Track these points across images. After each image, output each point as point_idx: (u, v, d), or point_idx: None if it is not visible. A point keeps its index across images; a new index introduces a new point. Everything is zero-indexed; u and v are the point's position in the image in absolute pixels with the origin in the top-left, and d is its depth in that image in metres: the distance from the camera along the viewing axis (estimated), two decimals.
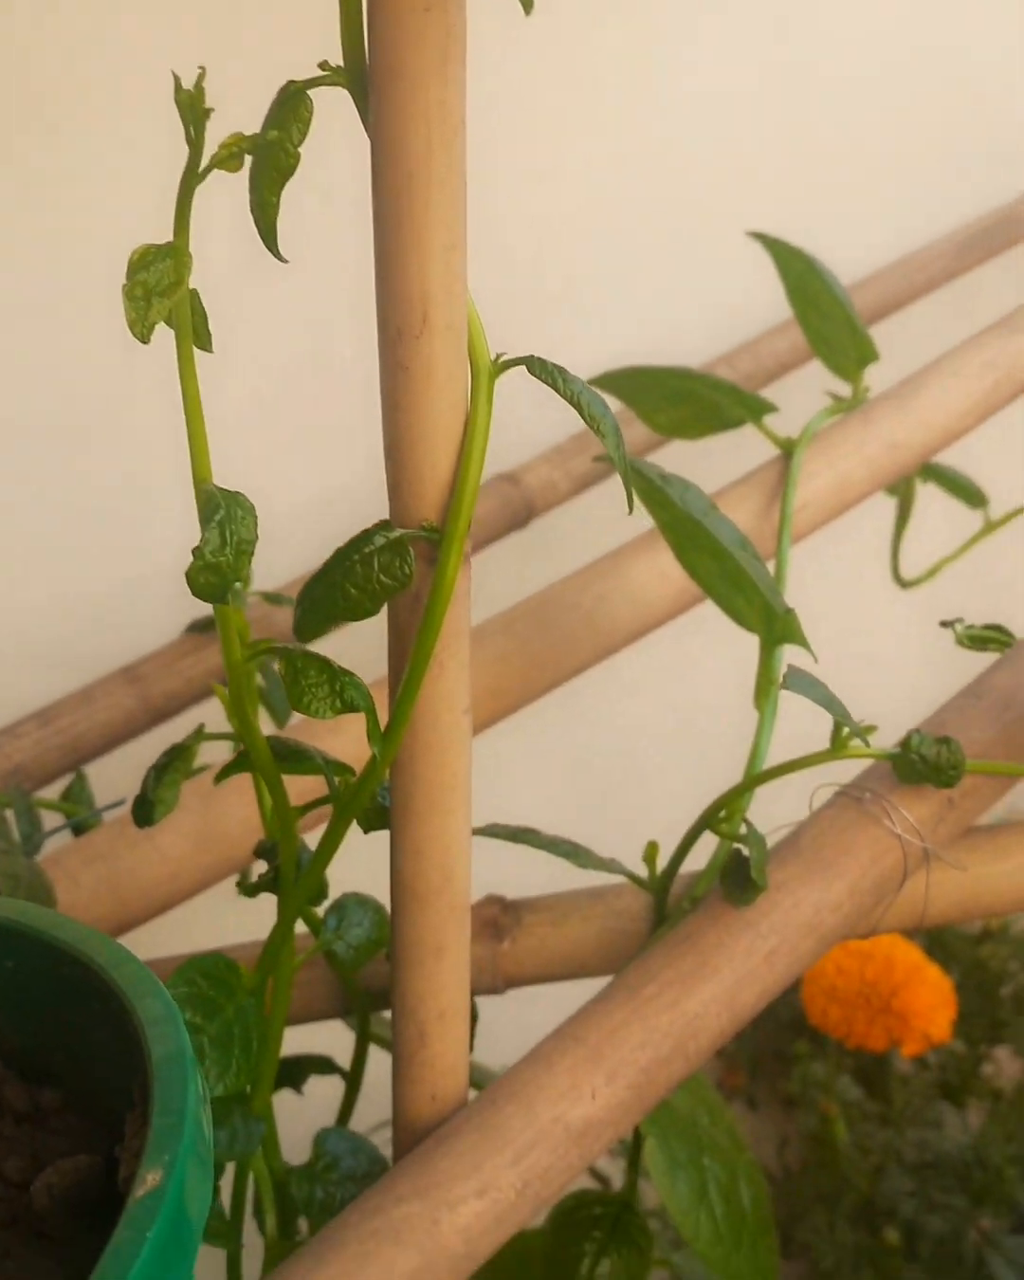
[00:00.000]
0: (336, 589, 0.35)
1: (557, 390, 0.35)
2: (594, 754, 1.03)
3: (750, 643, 0.56)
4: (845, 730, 0.46)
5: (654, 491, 0.54)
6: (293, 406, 0.77)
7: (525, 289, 0.85)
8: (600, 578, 0.64)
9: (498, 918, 0.52)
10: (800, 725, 0.56)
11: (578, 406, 0.35)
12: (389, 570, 0.35)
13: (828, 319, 0.72)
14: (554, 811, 0.69)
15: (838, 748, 0.47)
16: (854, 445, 0.68)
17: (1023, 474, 0.89)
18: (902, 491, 0.79)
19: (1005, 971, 1.12)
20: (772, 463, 0.68)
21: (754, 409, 0.68)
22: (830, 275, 0.71)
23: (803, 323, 0.73)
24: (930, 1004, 0.85)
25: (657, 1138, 0.47)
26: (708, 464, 0.74)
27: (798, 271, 0.71)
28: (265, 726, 0.43)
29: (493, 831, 0.50)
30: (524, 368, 0.35)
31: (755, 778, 0.49)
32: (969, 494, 0.80)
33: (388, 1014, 0.47)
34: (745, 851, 0.47)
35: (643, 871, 0.51)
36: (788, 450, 0.67)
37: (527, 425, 0.78)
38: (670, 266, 0.91)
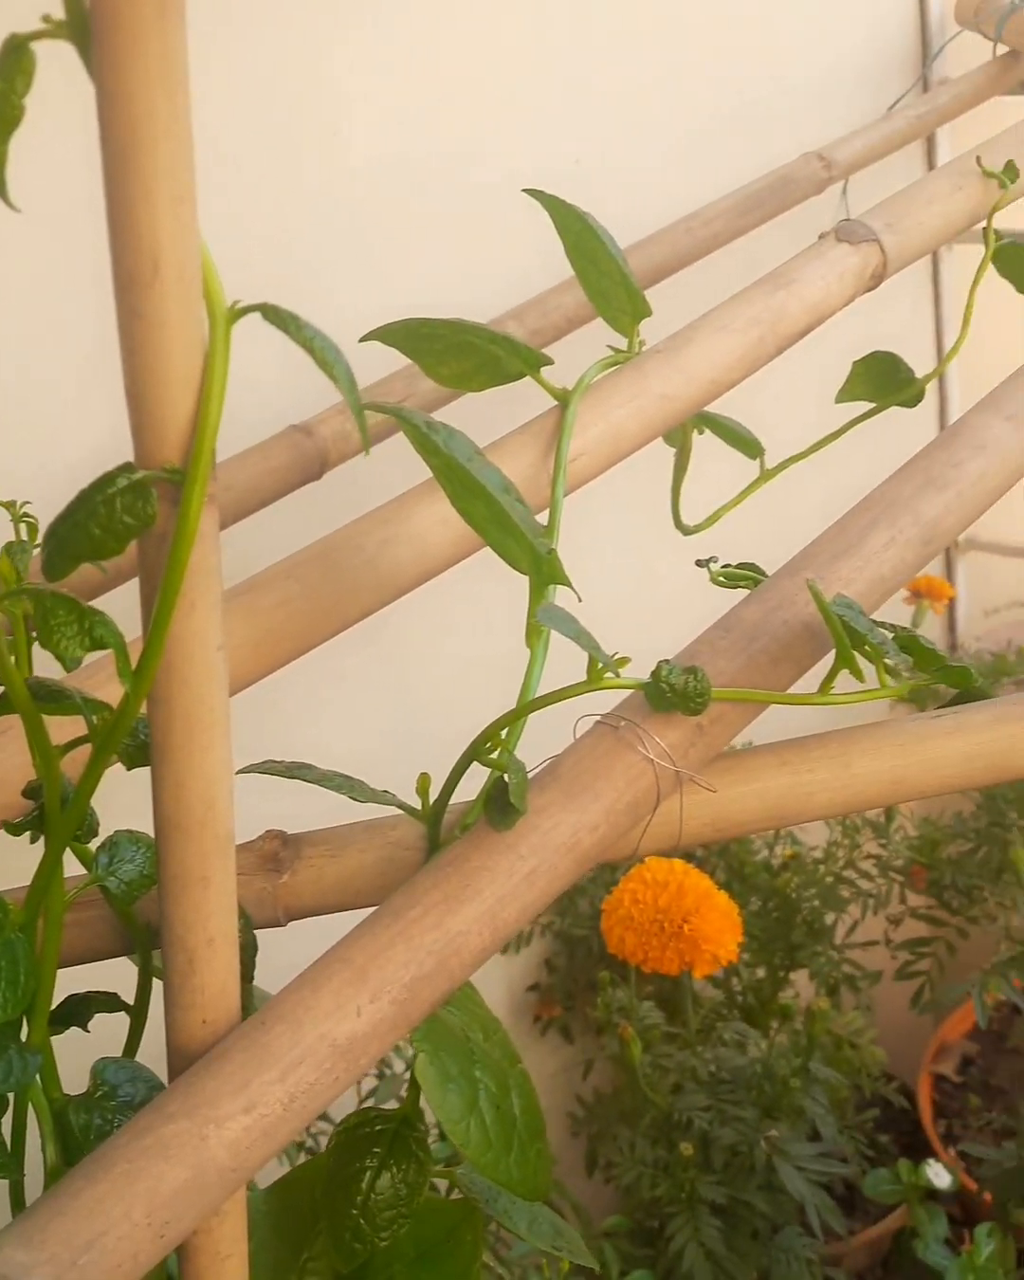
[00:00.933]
0: (81, 529, 0.36)
1: (290, 335, 0.36)
2: (406, 694, 1.05)
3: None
4: (598, 663, 0.48)
5: (423, 438, 0.56)
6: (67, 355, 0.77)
7: (308, 247, 0.86)
8: (384, 523, 0.66)
9: (277, 851, 0.54)
10: (579, 663, 0.59)
11: (311, 351, 0.36)
12: (132, 510, 0.37)
13: (604, 275, 0.75)
14: (368, 749, 0.71)
15: (592, 679, 0.49)
16: (626, 397, 0.71)
17: (801, 426, 0.93)
18: (679, 442, 0.82)
19: (801, 899, 1.18)
20: (548, 413, 0.70)
21: (531, 361, 0.71)
22: (605, 232, 0.73)
23: (582, 278, 0.75)
24: (719, 928, 0.89)
25: (428, 1053, 0.49)
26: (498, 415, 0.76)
27: (574, 229, 0.74)
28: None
29: (267, 768, 0.51)
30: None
31: (521, 709, 0.51)
32: (746, 444, 0.84)
33: None
34: (507, 778, 0.49)
35: (418, 803, 0.54)
36: (564, 401, 0.70)
37: (321, 376, 0.80)
38: (457, 223, 0.92)
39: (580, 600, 0.57)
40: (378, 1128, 0.54)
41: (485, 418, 0.76)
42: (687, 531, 0.85)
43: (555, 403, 0.71)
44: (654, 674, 0.50)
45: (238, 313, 0.37)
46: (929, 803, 1.25)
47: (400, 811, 0.54)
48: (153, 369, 0.36)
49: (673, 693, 0.49)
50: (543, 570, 0.58)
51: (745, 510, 0.98)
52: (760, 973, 1.21)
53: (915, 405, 0.85)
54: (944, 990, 0.89)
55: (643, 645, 0.55)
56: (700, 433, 0.82)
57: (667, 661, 0.50)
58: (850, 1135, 1.17)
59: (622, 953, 0.91)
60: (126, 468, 0.37)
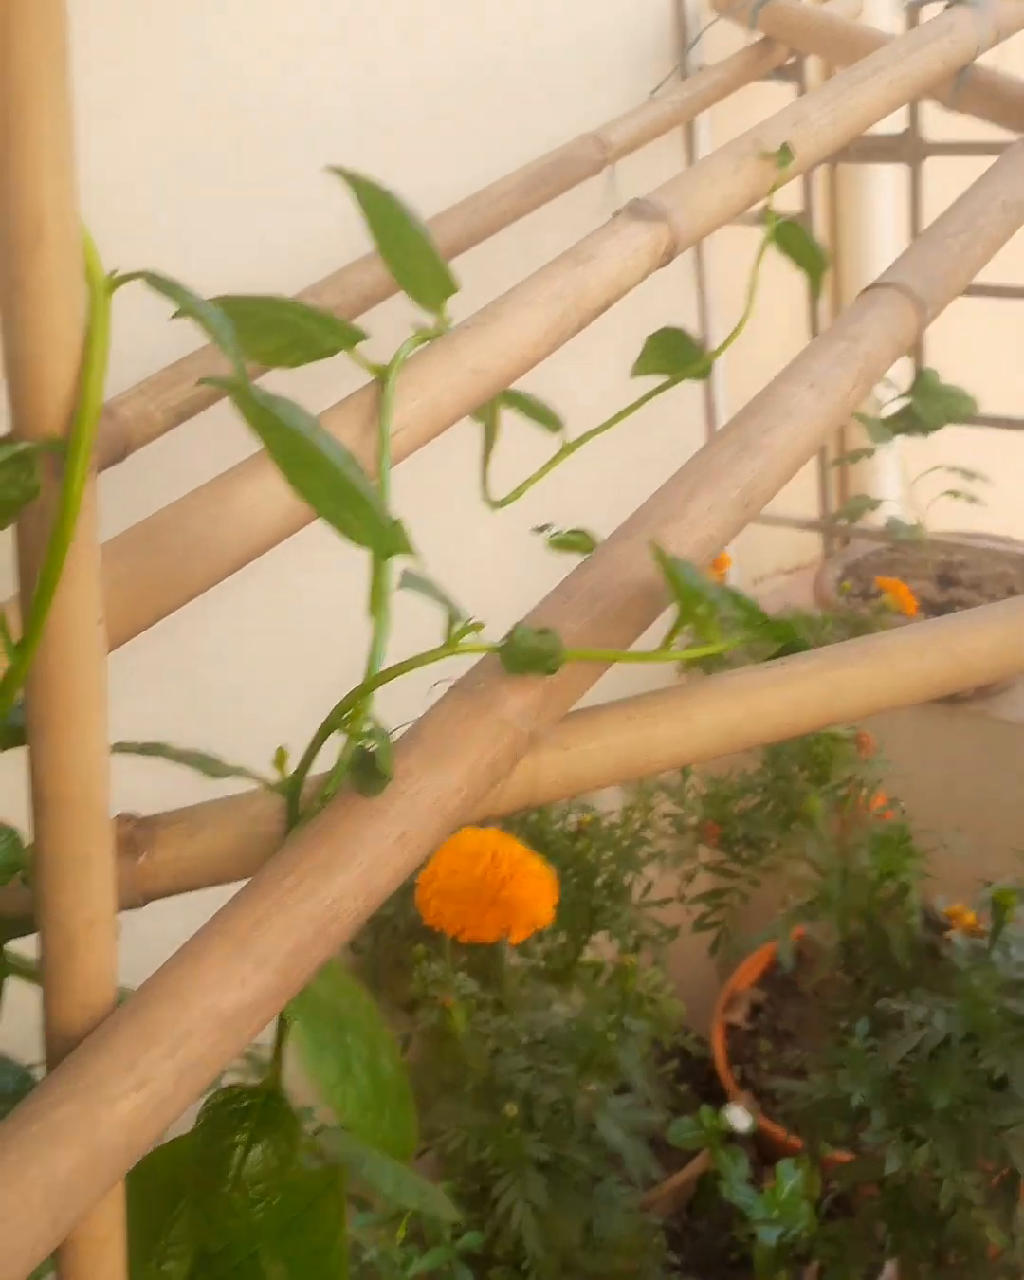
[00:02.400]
0: None
1: (177, 302, 0.36)
2: (216, 673, 1.04)
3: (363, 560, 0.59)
4: (457, 626, 0.49)
5: (262, 413, 0.56)
6: None
7: (98, 225, 0.84)
8: (210, 502, 0.65)
9: (132, 834, 0.53)
10: (413, 634, 0.60)
11: (198, 319, 0.36)
12: (15, 483, 0.36)
13: (411, 253, 0.75)
14: (182, 730, 0.70)
15: (451, 644, 0.50)
16: (442, 371, 0.72)
17: (600, 398, 0.95)
18: (486, 417, 0.83)
19: (600, 863, 1.21)
20: (366, 389, 0.71)
21: (347, 337, 0.71)
22: (411, 211, 0.74)
23: (386, 257, 0.76)
24: (535, 892, 0.91)
25: (303, 1021, 0.50)
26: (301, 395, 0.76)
27: (379, 208, 0.74)
28: None
29: (123, 747, 0.51)
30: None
31: (375, 679, 0.52)
32: (545, 418, 0.86)
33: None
34: (371, 747, 0.50)
35: (275, 777, 0.54)
36: (382, 376, 0.71)
37: (121, 359, 0.78)
38: (250, 202, 0.92)
39: (425, 567, 0.58)
40: (245, 1103, 0.54)
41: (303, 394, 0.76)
42: (494, 505, 0.86)
43: (364, 381, 0.71)
44: (510, 636, 0.51)
45: (117, 281, 0.36)
46: (717, 762, 1.30)
47: (258, 787, 0.54)
48: (35, 339, 0.35)
49: (528, 654, 0.51)
50: (386, 542, 0.58)
51: (536, 488, 1.00)
52: (562, 938, 1.24)
53: (705, 377, 0.89)
54: (742, 938, 0.94)
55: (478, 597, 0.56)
56: (506, 408, 0.84)
57: (520, 624, 0.51)
58: (654, 1087, 1.22)
59: (439, 924, 0.93)
60: (7, 439, 0.36)
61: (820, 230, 1.55)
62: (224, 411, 0.74)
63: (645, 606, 0.57)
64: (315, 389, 0.79)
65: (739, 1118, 1.22)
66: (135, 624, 0.63)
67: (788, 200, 1.39)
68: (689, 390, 1.48)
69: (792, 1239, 1.04)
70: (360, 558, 0.60)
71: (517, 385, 0.82)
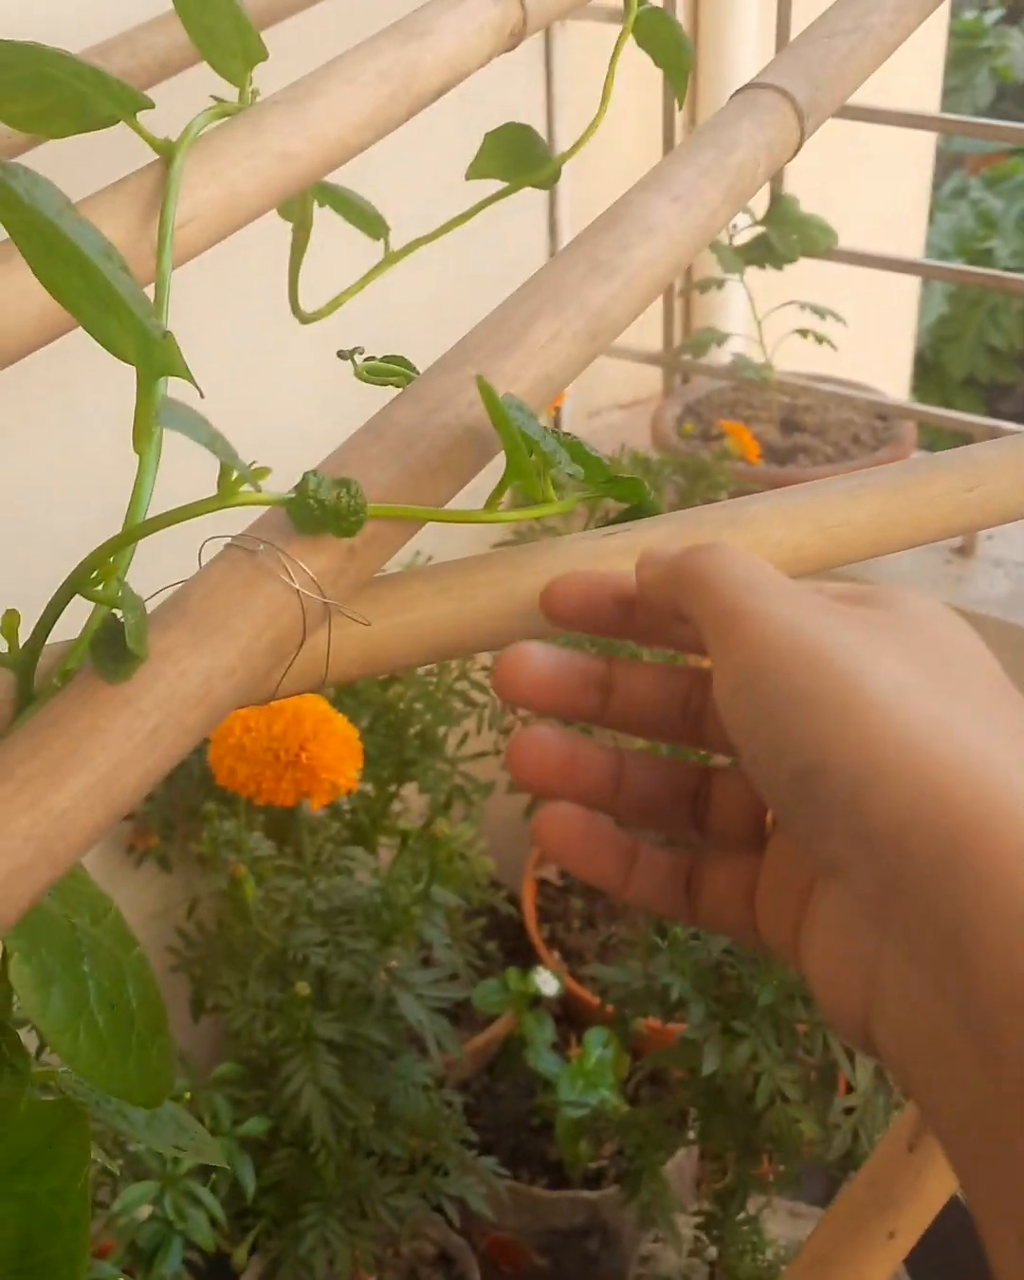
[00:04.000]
0: None
1: None
2: None
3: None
4: (234, 474, 0.40)
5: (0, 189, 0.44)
6: None
7: None
8: None
9: None
10: (195, 474, 0.50)
11: None
12: None
13: (209, 7, 0.63)
14: None
15: (226, 494, 0.40)
16: (242, 154, 0.60)
17: (427, 203, 0.84)
18: (297, 215, 0.71)
19: (412, 713, 1.13)
20: (148, 169, 0.59)
21: (126, 102, 0.58)
22: None
23: (182, 12, 0.63)
24: (338, 754, 0.83)
25: (23, 952, 0.41)
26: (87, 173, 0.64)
27: None
28: None
29: None
30: None
31: (132, 531, 0.42)
32: (370, 222, 0.74)
33: None
34: (122, 617, 0.40)
35: (2, 646, 0.44)
36: (168, 155, 0.58)
37: None
38: None
39: (202, 396, 0.48)
40: None
41: (75, 179, 0.63)
42: (305, 319, 0.75)
43: (156, 157, 0.59)
44: (300, 487, 0.41)
45: None
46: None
47: None
48: None
49: (323, 510, 0.41)
50: (156, 358, 0.48)
51: (353, 303, 0.89)
52: (370, 789, 1.16)
53: (549, 187, 0.78)
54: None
55: (259, 453, 0.46)
56: (321, 206, 0.72)
57: (315, 473, 0.42)
58: (459, 947, 1.16)
59: (232, 784, 0.84)
60: None
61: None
62: None
63: (470, 454, 0.48)
64: (102, 174, 0.66)
65: (547, 982, 1.18)
66: None
67: None
68: (530, 200, 1.36)
69: (595, 1112, 1.00)
70: (128, 376, 0.49)
71: (333, 180, 0.70)
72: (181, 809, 1.17)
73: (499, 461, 0.48)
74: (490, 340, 0.50)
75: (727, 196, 0.58)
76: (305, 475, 0.41)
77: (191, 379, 0.46)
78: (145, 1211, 0.76)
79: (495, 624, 0.49)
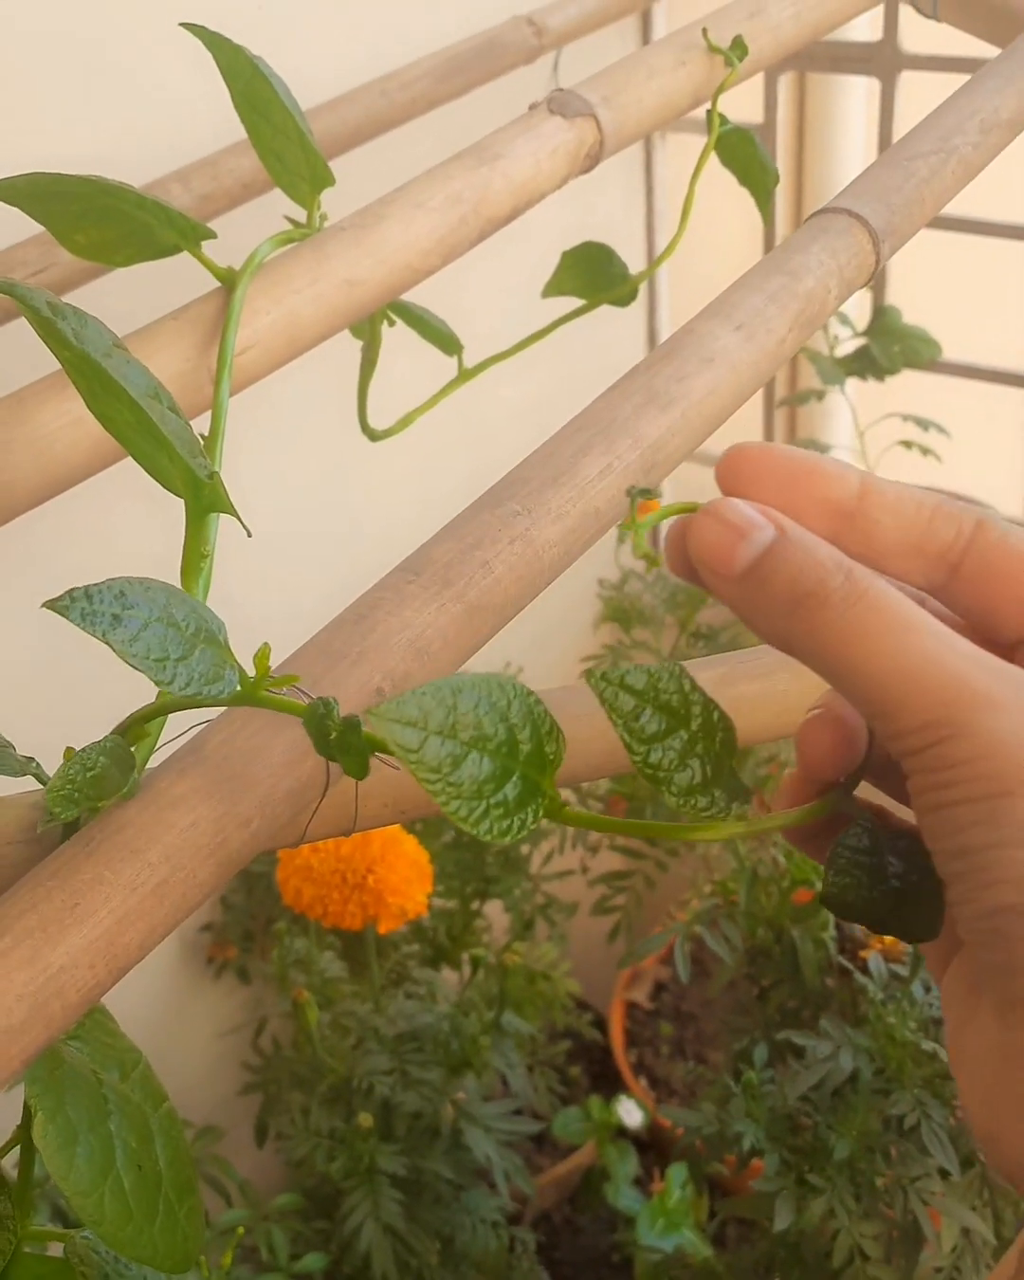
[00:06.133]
0: None
1: None
2: (12, 642, 0.90)
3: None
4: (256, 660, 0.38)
5: (47, 325, 0.44)
6: None
7: None
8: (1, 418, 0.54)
9: None
10: (246, 611, 0.49)
11: None
12: None
13: (278, 131, 0.63)
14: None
15: (248, 690, 0.37)
16: (306, 280, 0.60)
17: (503, 323, 0.84)
18: (367, 335, 0.71)
19: None
20: (210, 297, 0.59)
21: (189, 234, 0.59)
22: (279, 81, 0.62)
23: (252, 135, 0.64)
24: (406, 878, 0.81)
25: (47, 1111, 0.39)
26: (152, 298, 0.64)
27: (244, 75, 0.62)
28: None
29: None
30: None
31: (160, 705, 0.41)
32: (443, 339, 0.74)
33: None
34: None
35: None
36: (230, 283, 0.59)
37: None
38: (110, 70, 0.78)
39: (250, 535, 0.47)
40: None
41: (146, 304, 0.64)
42: (374, 437, 0.75)
43: (218, 285, 0.59)
44: (313, 712, 0.36)
45: None
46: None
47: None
48: None
49: (338, 743, 0.35)
50: (203, 496, 0.47)
51: (440, 415, 0.89)
52: (452, 905, 1.14)
53: (628, 304, 0.77)
54: (645, 943, 0.84)
55: (325, 579, 0.45)
56: (391, 324, 0.72)
57: (327, 700, 0.36)
58: (541, 1071, 1.13)
59: (299, 906, 0.82)
60: None
61: (783, 146, 1.42)
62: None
63: (511, 592, 0.46)
64: (179, 297, 0.67)
65: (630, 1112, 1.14)
66: None
67: (748, 110, 1.26)
68: (631, 311, 1.36)
69: (678, 1252, 0.96)
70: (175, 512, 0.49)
71: (428, 292, 0.70)
72: (261, 919, 1.15)
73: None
74: (538, 474, 0.49)
75: (795, 324, 0.56)
76: (317, 702, 0.36)
77: (238, 517, 0.45)
78: None
79: (572, 763, 0.47)
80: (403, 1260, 0.84)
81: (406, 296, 0.76)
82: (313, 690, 0.42)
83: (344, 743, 0.33)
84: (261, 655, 0.35)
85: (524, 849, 1.12)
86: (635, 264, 1.46)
